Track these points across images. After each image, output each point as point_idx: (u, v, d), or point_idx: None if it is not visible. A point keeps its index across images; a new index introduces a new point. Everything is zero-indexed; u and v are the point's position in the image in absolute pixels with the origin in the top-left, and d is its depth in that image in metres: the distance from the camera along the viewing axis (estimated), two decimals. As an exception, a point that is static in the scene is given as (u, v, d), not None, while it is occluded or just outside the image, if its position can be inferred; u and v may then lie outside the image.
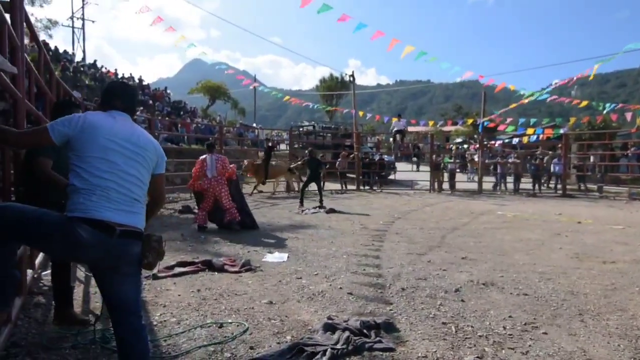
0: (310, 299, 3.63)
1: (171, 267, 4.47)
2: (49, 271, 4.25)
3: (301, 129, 23.70)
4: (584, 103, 15.90)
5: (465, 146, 24.13)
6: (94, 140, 2.04)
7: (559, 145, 16.46)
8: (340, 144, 20.37)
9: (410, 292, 3.81)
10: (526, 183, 15.68)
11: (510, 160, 16.43)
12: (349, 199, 13.03)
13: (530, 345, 2.74)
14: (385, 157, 19.16)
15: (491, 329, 3.01)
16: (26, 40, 3.61)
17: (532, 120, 18.68)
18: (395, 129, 18.24)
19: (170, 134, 16.75)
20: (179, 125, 20.07)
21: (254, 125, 35.07)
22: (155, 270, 4.29)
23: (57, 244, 2.01)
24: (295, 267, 4.66)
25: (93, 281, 4.02)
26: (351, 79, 20.54)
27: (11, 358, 2.49)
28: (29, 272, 3.68)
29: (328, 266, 4.73)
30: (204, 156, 7.14)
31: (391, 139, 19.72)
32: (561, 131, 17.92)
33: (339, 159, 16.51)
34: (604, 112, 15.08)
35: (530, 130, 17.50)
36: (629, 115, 15.82)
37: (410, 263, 4.89)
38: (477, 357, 2.58)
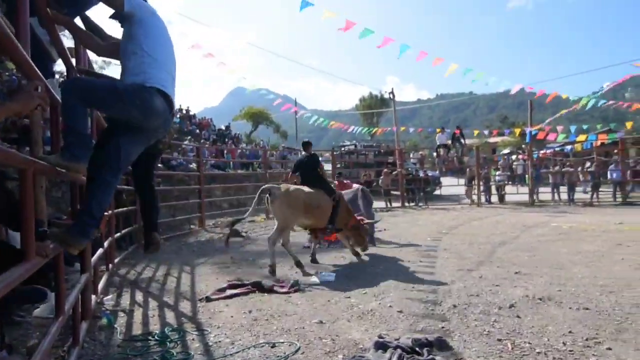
0: (360, 317, 3.62)
1: (223, 290, 4.59)
2: (110, 296, 4.50)
3: (343, 149, 23.86)
4: (635, 106, 15.08)
5: (514, 157, 23.35)
6: (159, 25, 2.51)
7: (615, 151, 15.63)
8: (383, 161, 20.30)
9: (462, 309, 3.72)
10: (579, 192, 14.94)
11: (563, 170, 15.73)
12: (394, 216, 12.90)
13: (593, 362, 2.61)
14: (430, 173, 18.88)
15: (550, 345, 2.89)
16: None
17: (585, 127, 17.88)
18: (439, 143, 18.01)
19: (217, 160, 17.32)
20: (225, 152, 20.75)
21: (296, 147, 35.63)
22: (208, 293, 4.45)
23: (135, 108, 2.35)
24: (343, 286, 4.67)
25: (152, 304, 4.22)
26: (391, 96, 20.57)
27: (80, 378, 2.65)
28: (93, 297, 3.91)
29: (377, 284, 4.71)
30: None
31: (434, 154, 19.43)
32: (617, 136, 17.01)
33: (382, 177, 16.44)
34: None
35: (582, 137, 16.76)
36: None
37: (461, 279, 4.78)
38: (537, 374, 2.49)
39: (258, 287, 4.63)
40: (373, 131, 22.14)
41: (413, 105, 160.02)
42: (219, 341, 3.18)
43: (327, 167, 24.71)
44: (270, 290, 4.55)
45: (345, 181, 10.18)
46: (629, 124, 16.70)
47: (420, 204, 16.38)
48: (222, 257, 6.76)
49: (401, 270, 5.41)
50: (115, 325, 3.57)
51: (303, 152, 7.10)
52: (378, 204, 15.74)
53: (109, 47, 2.76)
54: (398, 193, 16.73)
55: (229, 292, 4.52)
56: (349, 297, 4.24)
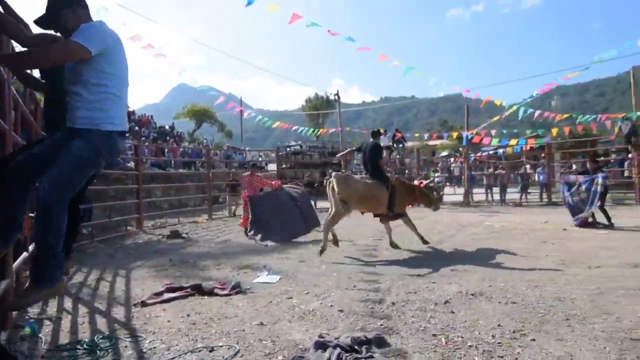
0: (301, 318, 3.62)
1: (160, 293, 4.43)
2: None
3: (289, 149, 23.88)
4: (559, 116, 16.30)
5: (452, 159, 24.43)
6: (122, 53, 2.44)
7: (542, 155, 16.78)
8: (328, 162, 20.52)
9: (400, 306, 3.83)
10: (511, 193, 15.88)
11: (495, 172, 16.66)
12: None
13: (519, 353, 2.77)
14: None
15: (481, 338, 3.04)
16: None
17: (515, 131, 19.04)
18: (381, 144, 18.47)
19: (157, 159, 16.71)
20: (166, 151, 20.06)
21: (242, 147, 35.22)
22: (144, 297, 4.27)
23: (104, 159, 2.38)
24: (285, 287, 4.65)
25: (81, 311, 3.99)
26: (336, 97, 20.82)
27: (-2, 393, 2.44)
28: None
29: (319, 284, 4.73)
30: None
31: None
32: (544, 141, 18.25)
33: (327, 177, 16.64)
34: (577, 122, 15.58)
35: (513, 141, 17.85)
36: (608, 124, 16.23)
37: (401, 277, 4.92)
38: (468, 367, 2.61)
39: (198, 290, 4.51)
40: (318, 132, 22.32)
41: (358, 107, 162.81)
42: (154, 347, 3.05)
43: (272, 167, 24.69)
44: (210, 293, 4.44)
45: (258, 174, 9.74)
46: (554, 131, 17.96)
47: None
48: (160, 259, 6.52)
49: (343, 269, 5.48)
50: (40, 335, 3.33)
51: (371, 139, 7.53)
52: (324, 204, 15.89)
53: (35, 41, 2.55)
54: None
55: (167, 295, 4.36)
56: (291, 298, 4.23)
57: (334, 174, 6.75)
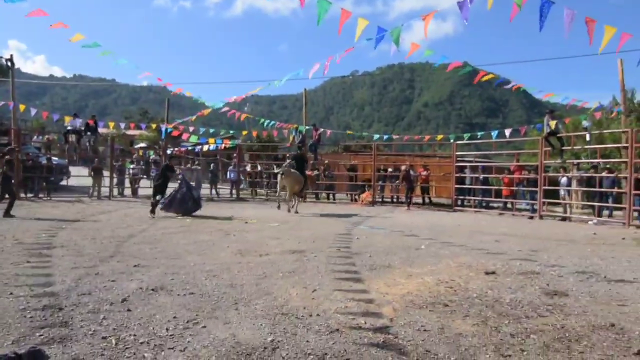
0: None
1: None
2: None
3: None
4: (244, 116, 18.37)
5: (151, 152, 23.74)
6: None
7: (234, 155, 18.41)
8: (-7, 143, 16.55)
9: (69, 311, 3.42)
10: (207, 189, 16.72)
11: (192, 167, 17.23)
12: (1, 209, 10.66)
13: (189, 341, 2.91)
14: (55, 160, 16.75)
15: (154, 333, 3.04)
16: None
17: (212, 130, 20.20)
18: (69, 128, 16.23)
19: None
20: None
21: None
22: None
23: None
24: None
25: None
26: (8, 63, 17.02)
27: None
28: None
29: (-44, 296, 3.72)
30: None
31: (64, 140, 17.35)
32: (236, 142, 20.08)
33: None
34: (263, 127, 18.04)
35: (211, 140, 18.88)
36: (285, 132, 19.23)
37: (75, 279, 4.40)
38: (136, 365, 2.56)
39: None
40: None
41: (43, 82, 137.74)
42: None
43: None
44: None
45: None
46: (244, 132, 20.06)
47: (41, 196, 14.30)
48: None
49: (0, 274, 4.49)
50: None
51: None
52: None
53: None
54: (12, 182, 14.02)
55: None
56: None
57: (285, 170, 11.40)
